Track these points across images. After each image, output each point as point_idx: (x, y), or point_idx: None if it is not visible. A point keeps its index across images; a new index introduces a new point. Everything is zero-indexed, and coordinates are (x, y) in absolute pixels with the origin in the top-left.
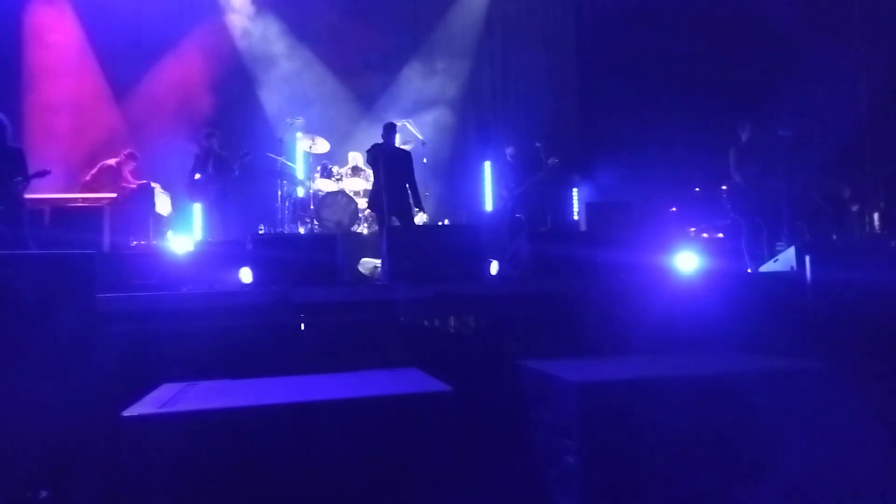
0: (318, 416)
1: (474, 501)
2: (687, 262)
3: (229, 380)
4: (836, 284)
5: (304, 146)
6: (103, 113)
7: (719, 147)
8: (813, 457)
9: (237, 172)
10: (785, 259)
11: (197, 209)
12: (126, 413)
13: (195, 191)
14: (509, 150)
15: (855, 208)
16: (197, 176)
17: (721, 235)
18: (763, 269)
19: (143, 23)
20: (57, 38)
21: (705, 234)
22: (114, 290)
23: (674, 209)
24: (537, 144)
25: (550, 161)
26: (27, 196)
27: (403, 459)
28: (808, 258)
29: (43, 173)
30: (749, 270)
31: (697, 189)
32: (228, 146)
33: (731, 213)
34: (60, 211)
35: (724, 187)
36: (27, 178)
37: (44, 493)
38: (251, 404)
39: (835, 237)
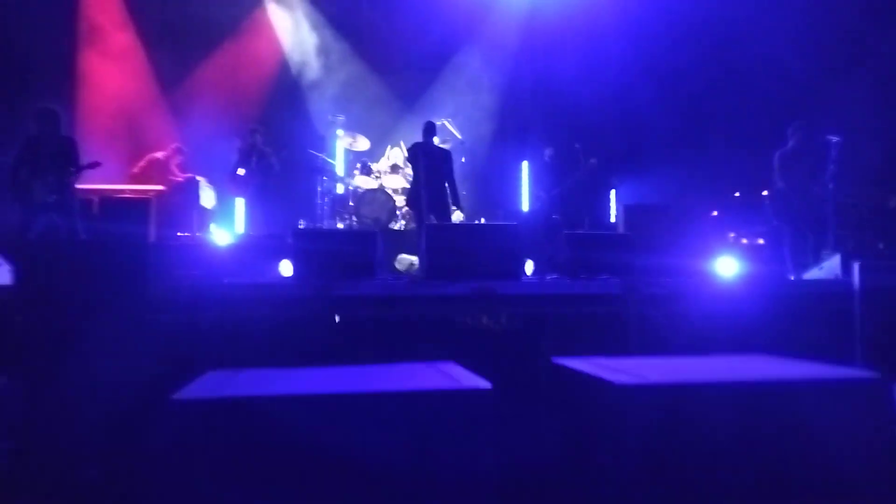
0: (360, 408)
1: (510, 501)
2: (727, 266)
3: (271, 368)
4: (885, 293)
5: (345, 143)
6: (152, 107)
7: (760, 151)
8: (859, 471)
9: (276, 167)
10: (830, 267)
11: (239, 203)
12: (176, 396)
13: (238, 185)
14: (548, 152)
15: None
16: (240, 171)
17: (762, 241)
18: (807, 276)
19: (191, 18)
20: (108, 31)
21: (745, 240)
22: (160, 279)
23: (714, 213)
24: (576, 145)
25: (591, 161)
26: (77, 186)
27: (441, 455)
28: (856, 266)
29: (94, 164)
30: (792, 277)
31: (737, 194)
32: (272, 143)
33: (773, 219)
34: (108, 202)
35: (764, 193)
36: (79, 169)
37: (92, 472)
38: (296, 393)
39: (881, 246)
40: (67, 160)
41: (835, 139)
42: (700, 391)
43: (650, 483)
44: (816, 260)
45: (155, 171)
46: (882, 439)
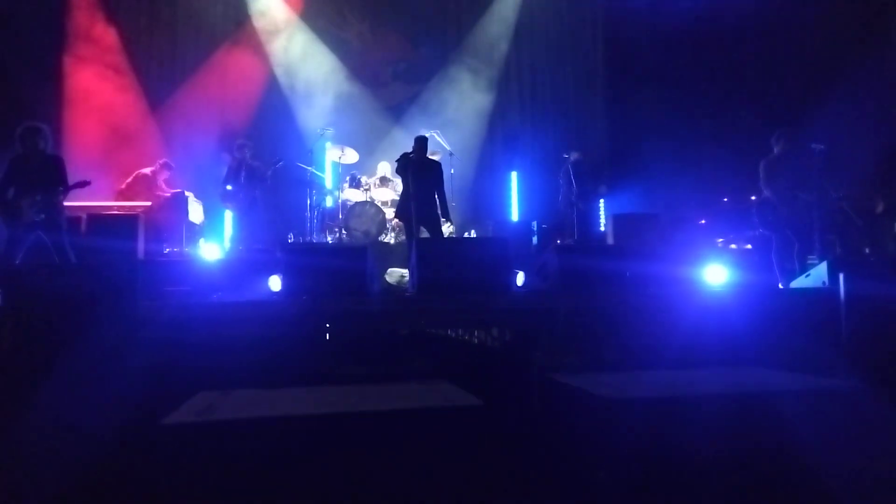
0: (349, 428)
1: None
2: (716, 275)
3: (263, 389)
4: (870, 300)
5: (334, 156)
6: (139, 122)
7: (748, 157)
8: (845, 479)
9: (269, 181)
10: (817, 274)
11: (228, 217)
12: (165, 420)
13: (227, 200)
14: (574, 155)
15: (888, 221)
16: (228, 187)
17: (749, 246)
18: (794, 284)
19: (179, 33)
20: (95, 47)
21: (733, 245)
22: (147, 296)
23: (702, 221)
24: (564, 155)
25: (573, 156)
26: (65, 204)
27: (433, 473)
28: (841, 275)
29: (83, 183)
30: (780, 285)
31: (725, 199)
32: (260, 156)
33: (759, 227)
34: (96, 218)
35: (753, 198)
36: (68, 188)
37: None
38: (287, 414)
39: (867, 251)
40: (55, 179)
41: (819, 147)
42: (689, 403)
43: (641, 496)
44: (803, 267)
45: (142, 187)
46: (865, 448)
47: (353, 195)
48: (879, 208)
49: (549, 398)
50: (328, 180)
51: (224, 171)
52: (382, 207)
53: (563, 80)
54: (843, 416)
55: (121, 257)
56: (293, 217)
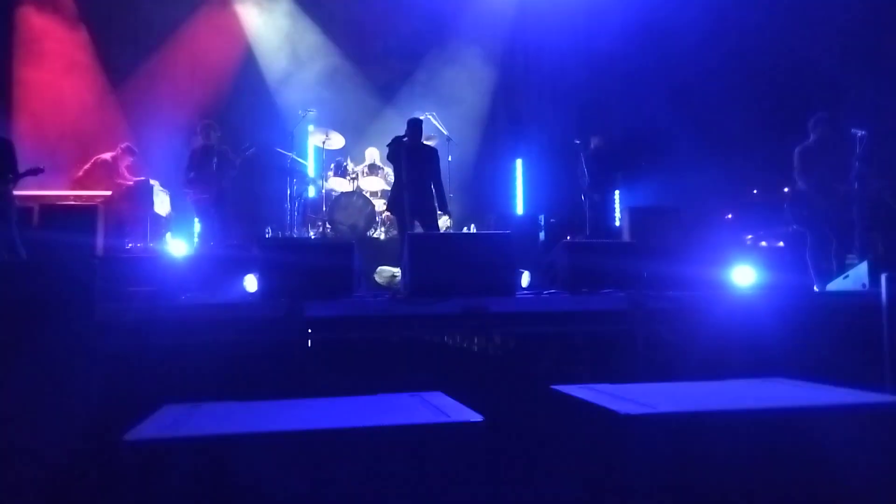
0: (333, 446)
1: None
2: (744, 276)
3: (236, 402)
4: None
5: (317, 141)
6: (99, 102)
7: (780, 144)
8: None
9: (238, 170)
10: (856, 275)
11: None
12: (127, 437)
13: (194, 190)
14: (594, 141)
15: None
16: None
17: (782, 244)
18: (831, 286)
19: (144, 4)
20: (50, 21)
21: (764, 243)
22: (107, 297)
23: (729, 216)
24: (576, 141)
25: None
26: (15, 193)
27: (427, 497)
28: (884, 277)
29: (35, 171)
30: (815, 288)
31: (755, 192)
32: (231, 141)
33: (792, 223)
34: (51, 210)
35: (785, 190)
36: (18, 176)
37: None
38: (262, 430)
39: None
40: (3, 165)
41: (860, 133)
42: (714, 420)
43: None
44: (841, 267)
45: (102, 175)
46: None
47: (338, 184)
48: None
49: (556, 414)
50: (311, 168)
51: (188, 158)
52: (371, 199)
53: (573, 56)
54: (886, 434)
55: (77, 253)
56: (271, 209)
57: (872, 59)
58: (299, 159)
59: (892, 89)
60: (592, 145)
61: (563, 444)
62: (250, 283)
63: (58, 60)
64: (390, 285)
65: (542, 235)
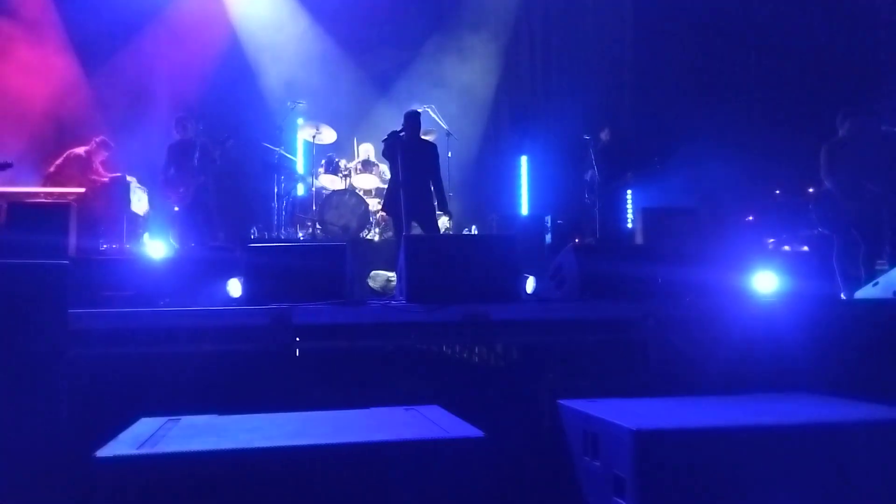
0: (322, 464)
1: None
2: (765, 282)
3: (218, 415)
4: None
5: (307, 135)
6: (72, 93)
7: (805, 141)
8: None
9: (217, 162)
10: (887, 282)
11: (177, 208)
12: (100, 453)
13: (173, 187)
14: (603, 135)
15: None
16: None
17: (806, 248)
18: (859, 294)
19: None
20: (20, 5)
21: (787, 248)
22: (80, 303)
23: (749, 218)
24: (586, 137)
25: (603, 135)
26: None
27: None
28: None
29: (4, 166)
30: (842, 295)
31: (778, 192)
32: (211, 133)
33: (818, 225)
34: (19, 207)
35: (810, 190)
36: None
37: None
38: (243, 447)
39: None
40: None
41: (891, 130)
42: (733, 437)
43: None
44: (870, 274)
45: (75, 170)
46: None
47: (329, 182)
48: None
49: (563, 429)
50: (300, 164)
51: (165, 153)
52: (365, 197)
53: (583, 46)
54: None
55: (48, 255)
56: (257, 208)
57: None
58: (288, 155)
59: None
60: (602, 139)
61: (569, 462)
62: (234, 287)
63: (28, 48)
64: (385, 290)
65: (548, 238)
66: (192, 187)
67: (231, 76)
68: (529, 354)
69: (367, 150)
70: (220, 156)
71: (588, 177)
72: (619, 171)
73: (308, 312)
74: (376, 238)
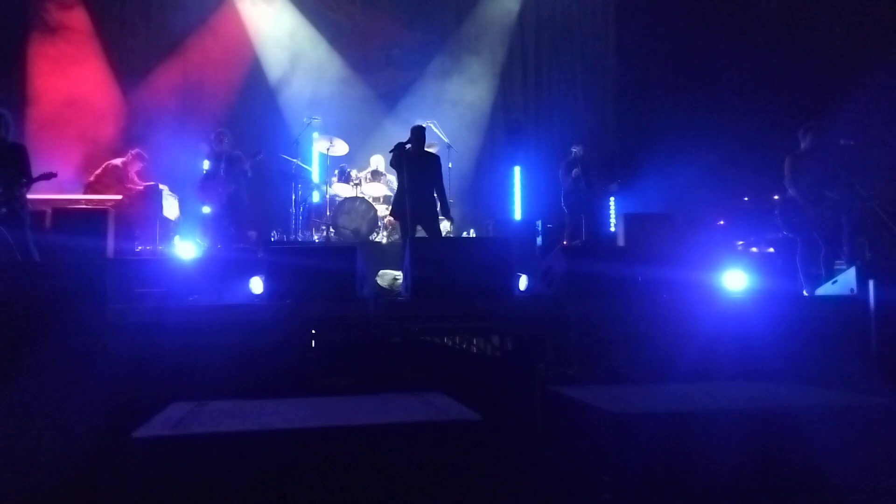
0: (336, 443)
1: None
2: (735, 280)
3: (242, 400)
4: None
5: (321, 147)
6: (110, 109)
7: (771, 153)
8: (874, 502)
9: (249, 174)
10: (844, 281)
11: (207, 213)
12: (136, 434)
13: (207, 194)
14: (575, 150)
15: None
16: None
17: (772, 250)
18: (820, 291)
19: (154, 13)
20: (64, 28)
21: (754, 249)
22: (118, 298)
23: (721, 222)
24: (573, 149)
25: (576, 150)
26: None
27: (426, 493)
28: (871, 282)
29: (49, 175)
30: (805, 292)
31: (746, 199)
32: (240, 146)
33: (783, 229)
34: (62, 213)
35: (776, 197)
36: (31, 180)
37: None
38: (265, 428)
39: None
40: (17, 169)
41: (848, 142)
42: (705, 420)
43: None
44: (830, 273)
45: (113, 180)
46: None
47: (342, 190)
48: None
49: (552, 413)
50: (315, 174)
51: (203, 163)
52: (374, 204)
53: (570, 67)
54: (873, 434)
55: (88, 256)
56: (277, 214)
57: (864, 68)
58: (304, 165)
59: (878, 101)
60: (574, 153)
61: (558, 443)
62: (256, 285)
63: (72, 69)
64: (392, 288)
65: (539, 240)
66: (223, 195)
67: (253, 94)
68: (522, 345)
69: (376, 161)
70: (251, 167)
71: (574, 174)
72: (597, 181)
73: (323, 307)
74: (384, 241)
